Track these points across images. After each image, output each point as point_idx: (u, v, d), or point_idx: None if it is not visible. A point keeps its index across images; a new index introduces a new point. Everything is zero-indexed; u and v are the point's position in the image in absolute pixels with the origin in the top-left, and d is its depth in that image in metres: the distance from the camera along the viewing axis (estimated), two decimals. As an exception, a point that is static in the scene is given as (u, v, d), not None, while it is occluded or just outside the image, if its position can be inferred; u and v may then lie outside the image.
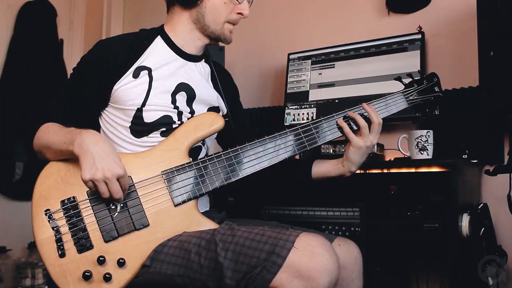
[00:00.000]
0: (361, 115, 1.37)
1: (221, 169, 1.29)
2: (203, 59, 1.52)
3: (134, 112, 1.33)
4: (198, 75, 1.47)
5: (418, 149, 1.74)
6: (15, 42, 2.85)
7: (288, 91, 2.34)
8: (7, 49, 2.83)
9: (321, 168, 1.47)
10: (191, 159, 1.30)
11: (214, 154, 1.31)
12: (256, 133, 1.37)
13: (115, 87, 1.33)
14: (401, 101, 1.44)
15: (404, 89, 1.47)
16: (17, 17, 2.89)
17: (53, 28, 3.07)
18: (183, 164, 1.28)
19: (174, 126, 1.37)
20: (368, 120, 1.36)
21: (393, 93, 1.45)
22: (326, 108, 2.19)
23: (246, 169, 1.30)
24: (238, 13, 1.43)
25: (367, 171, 1.89)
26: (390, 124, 2.12)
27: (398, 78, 1.50)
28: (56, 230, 1.18)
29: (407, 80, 1.49)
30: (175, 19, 1.44)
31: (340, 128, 1.37)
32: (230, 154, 1.31)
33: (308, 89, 2.28)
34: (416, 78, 1.48)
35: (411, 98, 1.45)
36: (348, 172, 1.42)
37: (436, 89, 1.47)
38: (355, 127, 1.37)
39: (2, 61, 2.80)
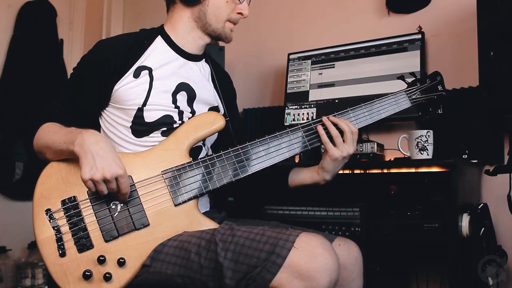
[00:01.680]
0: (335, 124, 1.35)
1: (221, 169, 1.29)
2: (204, 59, 1.52)
3: (135, 112, 1.33)
4: (199, 74, 1.47)
5: (418, 149, 1.74)
6: (15, 42, 2.86)
7: (288, 91, 2.34)
8: (7, 49, 2.84)
9: (297, 177, 1.48)
10: (191, 158, 1.30)
11: (214, 154, 1.31)
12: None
13: (115, 87, 1.33)
14: (404, 100, 1.44)
15: (407, 88, 1.47)
16: (17, 17, 2.89)
17: (53, 28, 3.07)
18: (184, 164, 1.28)
19: (175, 125, 1.37)
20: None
21: (396, 92, 1.45)
22: (326, 108, 2.18)
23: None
24: (238, 13, 1.44)
25: (367, 171, 1.89)
26: (390, 124, 2.13)
27: (401, 77, 1.50)
28: (57, 230, 1.19)
29: (410, 79, 1.49)
30: (176, 17, 1.44)
31: (318, 136, 1.35)
32: (231, 154, 1.31)
33: (308, 89, 2.28)
34: (419, 77, 1.48)
35: (414, 97, 1.45)
36: (323, 181, 1.41)
37: (440, 88, 1.46)
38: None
39: (2, 61, 2.81)
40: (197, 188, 1.27)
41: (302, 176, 1.47)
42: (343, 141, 1.34)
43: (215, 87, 1.53)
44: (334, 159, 1.35)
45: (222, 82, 1.56)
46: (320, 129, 1.35)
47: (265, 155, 1.32)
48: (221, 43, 2.33)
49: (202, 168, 1.29)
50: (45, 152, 1.30)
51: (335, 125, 1.35)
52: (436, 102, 1.46)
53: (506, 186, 1.60)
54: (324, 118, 1.36)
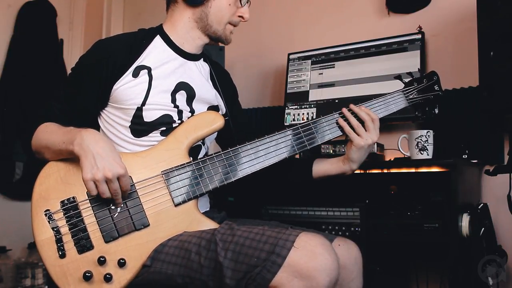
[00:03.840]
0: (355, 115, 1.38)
1: (221, 169, 1.29)
2: (202, 58, 1.52)
3: (134, 111, 1.33)
4: (198, 74, 1.47)
5: (418, 149, 1.74)
6: (15, 42, 2.86)
7: (288, 91, 2.34)
8: (7, 49, 2.84)
9: (322, 167, 1.48)
10: (191, 158, 1.30)
11: (214, 153, 1.31)
12: (255, 133, 1.36)
13: (114, 87, 1.33)
14: (401, 100, 1.45)
15: (404, 87, 1.47)
16: (17, 17, 2.89)
17: (53, 28, 3.07)
18: (183, 164, 1.28)
19: (174, 125, 1.37)
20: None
21: (393, 92, 1.45)
22: (326, 108, 2.18)
23: (246, 169, 1.30)
24: (239, 16, 1.44)
25: (367, 171, 1.89)
26: (390, 124, 2.13)
27: (398, 77, 1.50)
28: (56, 231, 1.18)
29: (407, 79, 1.49)
30: (176, 17, 1.44)
31: (341, 127, 1.37)
32: (231, 153, 1.31)
33: (308, 89, 2.28)
34: (416, 77, 1.48)
35: (411, 97, 1.46)
36: (350, 171, 1.42)
37: (436, 87, 1.47)
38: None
39: (2, 61, 2.81)
40: (197, 187, 1.27)
41: (328, 167, 1.47)
42: (365, 130, 1.35)
43: (215, 86, 1.53)
44: (359, 148, 1.36)
45: (222, 81, 1.56)
46: (341, 120, 1.37)
47: (264, 154, 1.32)
48: (221, 44, 2.33)
49: (202, 168, 1.29)
50: (43, 152, 1.29)
51: (355, 115, 1.36)
52: (433, 102, 1.47)
53: (506, 186, 1.60)
54: (344, 109, 1.38)
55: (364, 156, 1.40)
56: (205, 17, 1.41)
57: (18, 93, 2.79)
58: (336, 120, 1.38)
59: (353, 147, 1.37)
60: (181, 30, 1.44)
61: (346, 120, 1.37)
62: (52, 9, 3.05)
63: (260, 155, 1.32)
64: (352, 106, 1.38)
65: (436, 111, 1.46)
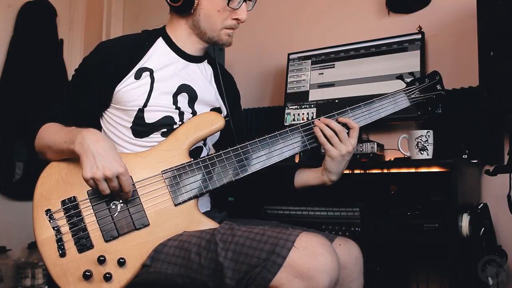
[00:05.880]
0: (337, 121, 1.36)
1: (221, 169, 1.29)
2: (206, 60, 1.52)
3: (136, 112, 1.34)
4: (200, 76, 1.47)
5: (418, 149, 1.74)
6: (15, 42, 2.85)
7: (288, 91, 2.34)
8: (7, 49, 2.83)
9: (303, 177, 1.48)
10: (191, 159, 1.30)
11: (214, 153, 1.31)
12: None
13: (117, 88, 1.34)
14: (403, 100, 1.45)
15: (406, 87, 1.47)
16: (17, 17, 2.89)
17: (53, 28, 3.07)
18: (183, 164, 1.28)
19: (175, 126, 1.37)
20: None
21: (395, 91, 1.45)
22: (326, 108, 2.18)
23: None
24: (235, 19, 1.42)
25: (367, 171, 1.89)
26: (390, 124, 2.13)
27: (400, 77, 1.50)
28: (57, 230, 1.19)
29: (408, 79, 1.49)
30: (174, 23, 1.45)
31: (315, 137, 1.36)
32: (231, 153, 1.31)
33: (308, 89, 2.28)
34: (417, 77, 1.48)
35: (413, 96, 1.46)
36: (329, 181, 1.42)
37: (438, 87, 1.47)
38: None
39: (2, 61, 2.81)
40: (197, 187, 1.27)
41: (307, 177, 1.47)
42: (340, 140, 1.34)
43: (218, 87, 1.53)
44: (333, 158, 1.35)
45: (226, 83, 1.56)
46: (317, 130, 1.36)
47: (265, 154, 1.32)
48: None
49: (202, 168, 1.29)
50: (46, 152, 1.30)
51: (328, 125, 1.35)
52: (435, 101, 1.47)
53: (506, 186, 1.60)
54: (316, 121, 1.36)
55: (341, 167, 1.38)
56: (198, 25, 1.41)
57: (18, 93, 2.78)
58: (313, 130, 1.36)
59: (327, 157, 1.37)
60: (180, 35, 1.44)
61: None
62: (52, 9, 3.05)
63: (261, 155, 1.32)
64: (323, 118, 1.36)
65: (439, 110, 1.46)
